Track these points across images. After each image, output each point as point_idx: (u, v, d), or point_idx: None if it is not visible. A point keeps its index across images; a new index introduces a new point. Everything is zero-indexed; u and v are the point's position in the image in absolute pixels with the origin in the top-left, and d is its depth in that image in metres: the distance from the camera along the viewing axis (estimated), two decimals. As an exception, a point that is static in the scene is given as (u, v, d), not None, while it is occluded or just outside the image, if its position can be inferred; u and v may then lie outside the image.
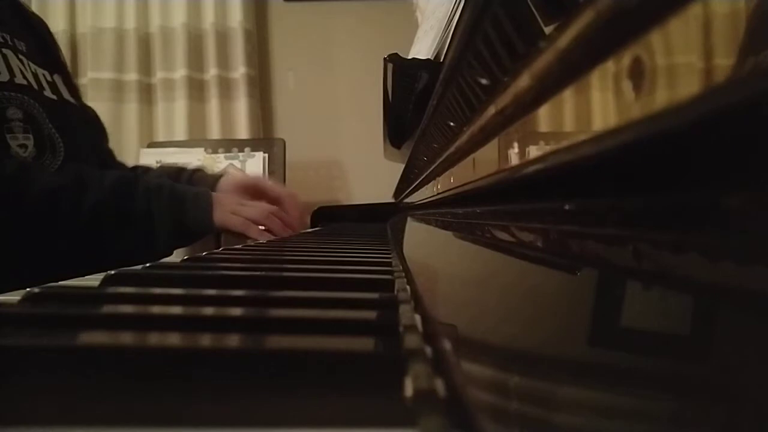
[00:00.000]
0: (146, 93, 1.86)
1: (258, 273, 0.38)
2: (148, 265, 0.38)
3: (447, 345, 0.18)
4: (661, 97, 0.11)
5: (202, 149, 1.61)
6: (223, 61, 1.86)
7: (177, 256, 0.65)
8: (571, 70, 0.15)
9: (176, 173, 0.98)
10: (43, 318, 0.22)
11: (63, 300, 0.26)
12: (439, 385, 0.15)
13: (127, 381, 0.16)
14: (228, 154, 1.60)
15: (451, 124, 0.39)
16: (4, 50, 0.78)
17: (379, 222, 1.40)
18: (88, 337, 0.20)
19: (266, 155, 1.60)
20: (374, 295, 0.27)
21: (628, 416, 0.10)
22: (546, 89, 0.18)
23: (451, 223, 0.43)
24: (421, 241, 0.54)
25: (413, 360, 0.16)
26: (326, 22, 1.98)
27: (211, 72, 1.85)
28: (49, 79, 0.87)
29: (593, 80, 0.14)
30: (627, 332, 0.12)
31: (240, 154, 1.60)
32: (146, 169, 1.02)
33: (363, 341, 0.20)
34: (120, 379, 0.16)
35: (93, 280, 0.32)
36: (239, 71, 1.85)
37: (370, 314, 0.24)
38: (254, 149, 1.61)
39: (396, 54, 0.67)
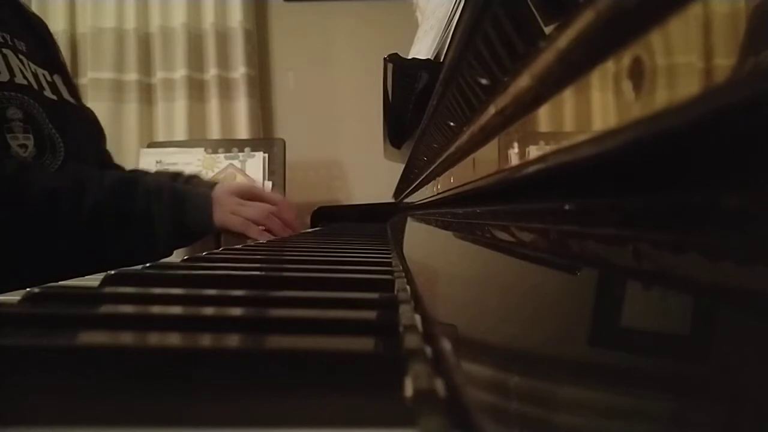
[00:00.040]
0: (146, 93, 1.86)
1: (258, 273, 0.38)
2: (148, 265, 0.38)
3: (447, 345, 0.18)
4: (661, 97, 0.11)
5: (202, 149, 1.61)
6: (223, 61, 1.86)
7: (177, 256, 0.65)
8: (571, 70, 0.15)
9: (171, 179, 0.98)
10: (43, 318, 0.22)
11: (63, 300, 0.26)
12: (439, 385, 0.15)
13: (127, 381, 0.16)
14: (228, 154, 1.60)
15: (451, 124, 0.39)
16: (4, 50, 0.78)
17: (379, 222, 1.40)
18: (88, 337, 0.20)
19: (266, 155, 1.60)
20: (374, 295, 0.27)
21: (628, 416, 0.10)
22: (546, 89, 0.18)
23: (451, 223, 0.43)
24: (421, 241, 0.54)
25: (413, 360, 0.16)
26: (326, 22, 1.98)
27: (211, 72, 1.85)
28: (49, 79, 0.87)
29: (593, 80, 0.14)
30: (627, 332, 0.12)
31: (240, 154, 1.60)
32: (144, 173, 1.02)
33: (363, 341, 0.20)
34: (120, 379, 0.16)
35: (93, 280, 0.32)
36: (239, 71, 1.85)
37: (370, 314, 0.24)
38: (254, 149, 1.61)
39: (396, 54, 0.67)
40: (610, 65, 0.13)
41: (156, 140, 1.79)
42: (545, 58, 0.17)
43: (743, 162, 0.09)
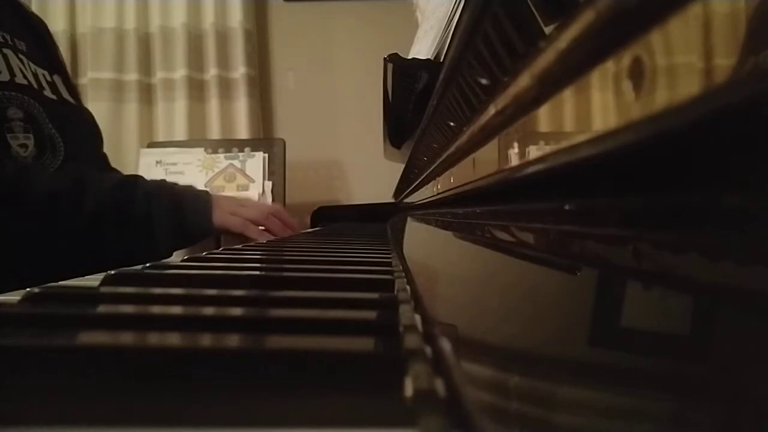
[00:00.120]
0: (146, 93, 1.86)
1: (258, 273, 0.38)
2: (148, 265, 0.38)
3: (447, 345, 0.18)
4: (661, 98, 0.11)
5: (202, 149, 1.61)
6: (223, 61, 1.86)
7: (177, 256, 0.65)
8: (571, 70, 0.15)
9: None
10: (43, 318, 0.22)
11: (63, 300, 0.26)
12: (439, 385, 0.15)
13: (127, 381, 0.16)
14: (228, 154, 1.60)
15: (451, 124, 0.39)
16: (5, 50, 0.78)
17: (379, 222, 1.40)
18: (88, 337, 0.20)
19: (266, 155, 1.60)
20: (374, 295, 0.27)
21: (628, 416, 0.10)
22: (546, 89, 0.18)
23: (451, 223, 0.43)
24: (421, 241, 0.54)
25: (413, 360, 0.16)
26: (326, 22, 1.98)
27: (211, 72, 1.85)
28: (48, 79, 0.87)
29: (593, 80, 0.14)
30: (627, 332, 0.12)
31: (240, 154, 1.60)
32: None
33: (363, 341, 0.20)
34: (120, 379, 0.16)
35: (93, 280, 0.32)
36: (239, 71, 1.85)
37: (370, 314, 0.24)
38: (254, 149, 1.61)
39: (396, 54, 0.67)
40: (610, 65, 0.13)
41: (156, 140, 1.79)
42: (545, 58, 0.17)
43: (743, 162, 0.09)
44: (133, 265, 0.37)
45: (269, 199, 1.55)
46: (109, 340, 0.20)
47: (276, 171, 1.60)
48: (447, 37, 0.52)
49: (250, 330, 0.21)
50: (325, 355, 0.17)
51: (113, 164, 1.02)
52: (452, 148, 0.39)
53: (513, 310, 0.19)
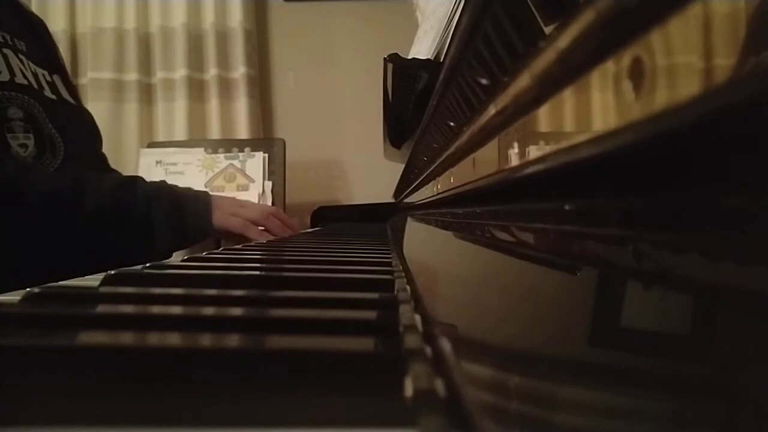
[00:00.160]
0: (146, 93, 1.86)
1: (258, 273, 0.38)
2: (148, 265, 0.38)
3: (447, 345, 0.18)
4: (661, 98, 0.11)
5: (202, 149, 1.61)
6: (223, 61, 1.86)
7: (177, 257, 0.65)
8: (571, 70, 0.15)
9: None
10: (43, 318, 0.22)
11: (63, 300, 0.26)
12: (439, 385, 0.15)
13: (127, 381, 0.16)
14: (228, 154, 1.60)
15: (451, 124, 0.39)
16: (5, 50, 0.78)
17: (379, 222, 1.40)
18: (88, 337, 0.20)
19: (266, 155, 1.60)
20: (374, 295, 0.27)
21: (628, 416, 0.10)
22: (546, 89, 0.18)
23: (451, 223, 0.43)
24: (421, 241, 0.54)
25: (413, 360, 0.16)
26: (326, 22, 1.98)
27: (211, 72, 1.85)
28: (48, 79, 0.87)
29: (593, 80, 0.14)
30: (627, 332, 0.12)
31: (240, 154, 1.60)
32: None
33: (363, 341, 0.20)
34: (120, 379, 0.16)
35: (93, 280, 0.32)
36: (239, 71, 1.85)
37: (370, 314, 0.24)
38: (254, 149, 1.61)
39: (396, 54, 0.67)
40: (610, 65, 0.13)
41: (156, 140, 1.79)
42: (545, 58, 0.17)
43: (743, 162, 0.09)
44: (133, 266, 0.37)
45: (269, 200, 1.55)
46: (109, 340, 0.20)
47: (276, 171, 1.60)
48: (447, 37, 0.52)
49: (250, 330, 0.21)
50: (325, 355, 0.17)
51: (113, 164, 1.02)
52: (452, 148, 0.39)
53: (513, 310, 0.19)
